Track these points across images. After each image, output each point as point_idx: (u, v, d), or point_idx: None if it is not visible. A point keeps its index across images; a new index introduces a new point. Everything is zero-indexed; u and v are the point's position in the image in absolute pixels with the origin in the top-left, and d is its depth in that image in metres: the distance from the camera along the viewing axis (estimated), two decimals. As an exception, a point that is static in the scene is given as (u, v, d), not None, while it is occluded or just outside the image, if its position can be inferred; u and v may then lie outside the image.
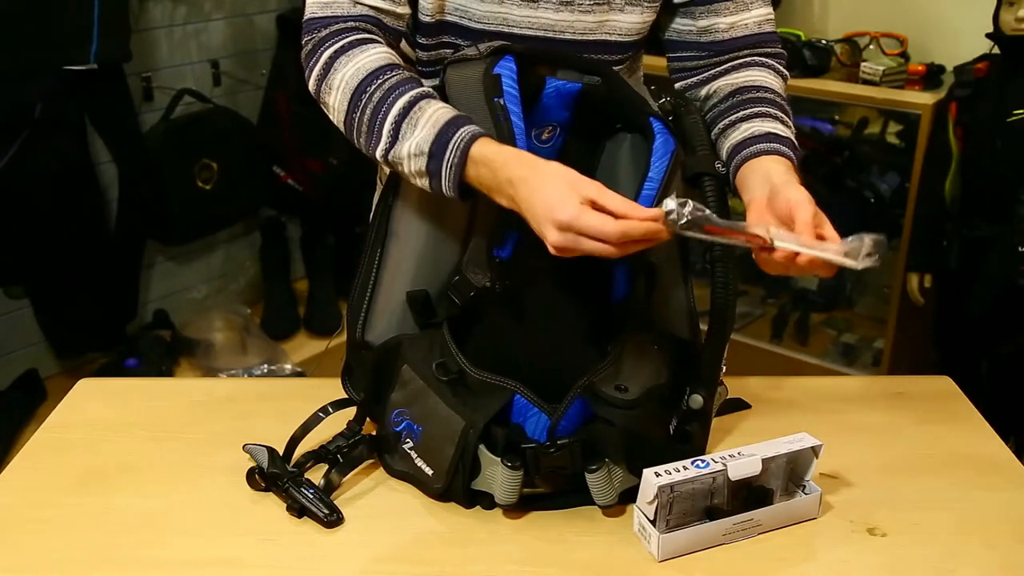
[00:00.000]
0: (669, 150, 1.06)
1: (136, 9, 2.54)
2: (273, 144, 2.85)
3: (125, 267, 2.62)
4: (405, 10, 1.13)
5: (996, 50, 2.23)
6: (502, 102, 1.04)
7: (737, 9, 1.19)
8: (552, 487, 1.09)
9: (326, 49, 1.08)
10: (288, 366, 2.73)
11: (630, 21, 1.17)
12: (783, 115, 1.18)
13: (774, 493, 1.06)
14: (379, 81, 1.05)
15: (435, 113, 1.02)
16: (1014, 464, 1.20)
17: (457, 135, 1.00)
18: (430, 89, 1.05)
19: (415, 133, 1.02)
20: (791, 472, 1.08)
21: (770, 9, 1.22)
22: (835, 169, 2.70)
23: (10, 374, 2.51)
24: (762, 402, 1.30)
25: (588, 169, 1.17)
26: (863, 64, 2.59)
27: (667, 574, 1.01)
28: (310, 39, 1.10)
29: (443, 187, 1.02)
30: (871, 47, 2.70)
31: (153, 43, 2.64)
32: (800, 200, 1.00)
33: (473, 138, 1.00)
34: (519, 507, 1.07)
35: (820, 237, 0.98)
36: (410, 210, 1.15)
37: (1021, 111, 2.13)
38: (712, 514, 1.04)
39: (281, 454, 1.13)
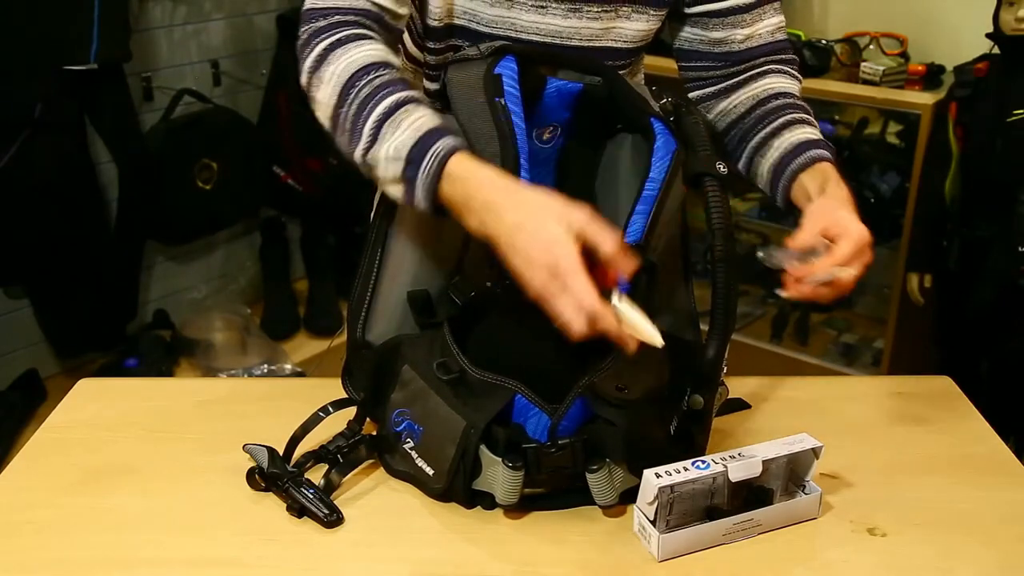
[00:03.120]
0: (670, 150, 1.06)
1: (136, 9, 2.54)
2: (273, 144, 2.85)
3: (125, 267, 2.62)
4: (406, 11, 1.12)
5: (996, 50, 2.23)
6: (503, 102, 1.04)
7: (753, 20, 1.20)
8: (553, 487, 1.09)
9: (321, 41, 1.04)
10: (288, 366, 2.73)
11: (636, 28, 1.17)
12: (808, 116, 1.20)
13: (774, 493, 1.06)
14: (369, 77, 1.01)
15: (419, 119, 0.98)
16: (1014, 464, 1.20)
17: (437, 145, 0.96)
18: (419, 93, 1.01)
19: (395, 135, 0.98)
20: (791, 472, 1.08)
21: (782, 17, 1.23)
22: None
23: (10, 374, 2.51)
24: (762, 402, 1.30)
25: (589, 169, 1.17)
26: (863, 64, 2.60)
27: (667, 574, 1.01)
28: (307, 28, 1.06)
29: (416, 197, 0.97)
30: (871, 47, 2.70)
31: (153, 43, 2.64)
32: (850, 230, 1.02)
33: (453, 150, 0.96)
34: (520, 507, 1.07)
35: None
36: (411, 210, 1.14)
37: (1021, 111, 2.13)
38: (712, 514, 1.04)
39: (281, 454, 1.13)
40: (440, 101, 1.12)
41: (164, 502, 1.11)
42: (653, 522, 1.01)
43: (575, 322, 0.91)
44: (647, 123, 1.08)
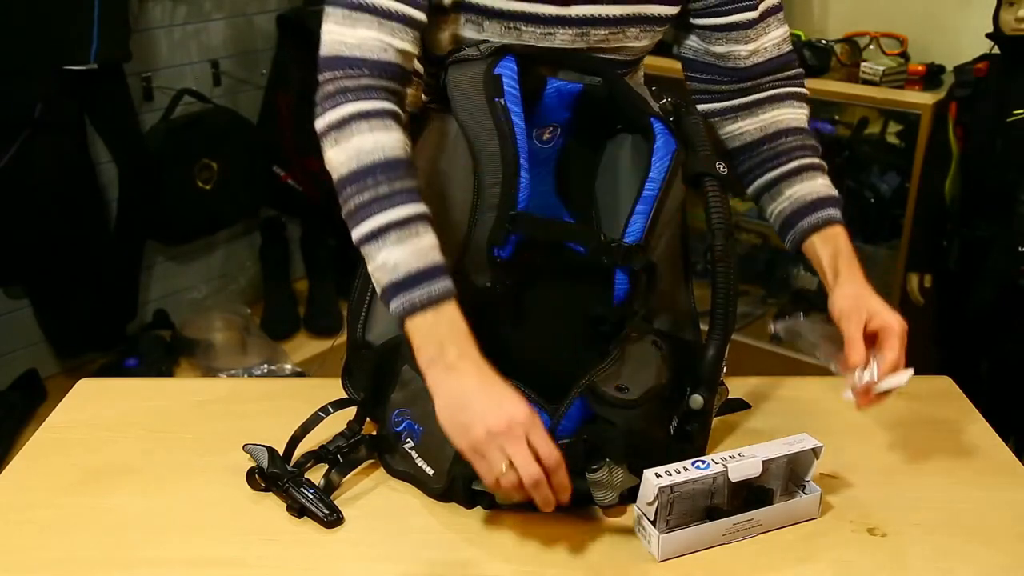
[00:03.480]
0: (670, 150, 1.07)
1: (136, 9, 2.54)
2: (273, 144, 2.85)
3: (125, 267, 2.62)
4: (418, 51, 1.10)
5: (996, 50, 2.23)
6: (503, 102, 1.04)
7: (756, 35, 1.19)
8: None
9: (348, 102, 1.01)
10: (288, 366, 2.73)
11: (640, 46, 1.18)
12: (817, 158, 1.21)
13: (774, 493, 1.06)
14: (391, 174, 1.00)
15: (427, 248, 0.99)
16: (1014, 464, 1.20)
17: (435, 283, 0.98)
18: (427, 209, 1.01)
19: (398, 249, 0.98)
20: (791, 472, 1.08)
21: (787, 28, 1.22)
22: (835, 169, 2.70)
23: (10, 374, 2.51)
24: (762, 402, 1.30)
25: (589, 169, 1.17)
26: (863, 64, 2.60)
27: (667, 574, 1.01)
28: (333, 78, 1.02)
29: (390, 306, 1.00)
30: (871, 47, 2.70)
31: (153, 43, 2.64)
32: (889, 325, 1.09)
33: (449, 294, 0.98)
34: (519, 507, 1.07)
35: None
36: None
37: (1021, 111, 2.13)
38: (712, 514, 1.04)
39: (281, 454, 1.13)
40: (440, 102, 1.12)
41: (164, 502, 1.11)
42: (653, 522, 1.01)
43: (507, 477, 0.94)
44: (647, 123, 1.08)
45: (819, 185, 1.20)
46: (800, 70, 1.25)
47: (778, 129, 1.22)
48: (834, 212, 1.18)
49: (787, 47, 1.22)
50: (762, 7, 1.18)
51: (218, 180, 2.69)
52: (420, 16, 1.04)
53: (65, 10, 2.20)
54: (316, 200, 2.91)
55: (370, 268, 1.01)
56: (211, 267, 2.98)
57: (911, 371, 1.08)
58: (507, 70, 1.05)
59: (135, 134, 2.56)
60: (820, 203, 1.18)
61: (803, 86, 1.25)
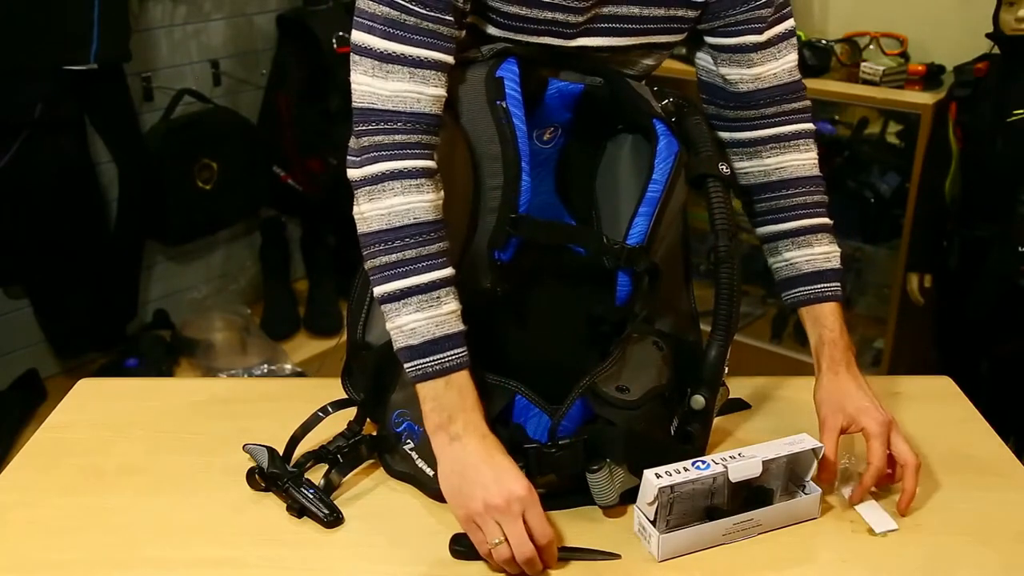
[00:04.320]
0: (673, 152, 1.06)
1: (136, 9, 2.54)
2: (273, 144, 2.85)
3: (125, 267, 2.62)
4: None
5: (996, 50, 2.23)
6: (504, 105, 1.04)
7: (762, 60, 1.16)
8: (553, 487, 1.09)
9: (382, 160, 1.01)
10: (288, 366, 2.73)
11: (647, 63, 1.18)
12: (819, 214, 1.20)
13: (774, 493, 1.06)
14: (420, 239, 1.01)
15: (446, 316, 1.01)
16: (1014, 464, 1.20)
17: (450, 353, 1.01)
18: (453, 273, 1.03)
19: (418, 315, 1.00)
20: (791, 472, 1.08)
21: (796, 54, 1.19)
22: (835, 169, 2.70)
23: (10, 374, 2.51)
24: (762, 402, 1.30)
25: (589, 169, 1.17)
26: (863, 64, 2.59)
27: (667, 574, 1.01)
28: (368, 131, 1.02)
29: (404, 366, 1.02)
30: (871, 47, 2.70)
31: (153, 43, 2.64)
32: (871, 435, 1.10)
33: (464, 365, 1.01)
34: (520, 507, 1.07)
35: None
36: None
37: (1021, 111, 2.13)
38: (712, 514, 1.04)
39: (281, 454, 1.13)
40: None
41: (164, 502, 1.11)
42: (653, 522, 1.01)
43: (499, 551, 0.97)
44: (649, 124, 1.07)
45: (817, 254, 1.19)
46: (808, 103, 1.21)
47: (782, 179, 1.20)
48: (828, 288, 1.18)
49: (796, 75, 1.19)
50: (770, 33, 1.15)
51: (218, 180, 2.69)
52: (450, 60, 1.03)
53: (65, 10, 2.19)
54: (316, 200, 2.91)
55: (388, 326, 1.03)
56: (211, 267, 2.98)
57: (893, 524, 1.08)
58: (509, 73, 1.05)
59: (135, 134, 2.56)
60: (816, 276, 1.18)
61: (811, 120, 1.22)
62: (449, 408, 1.00)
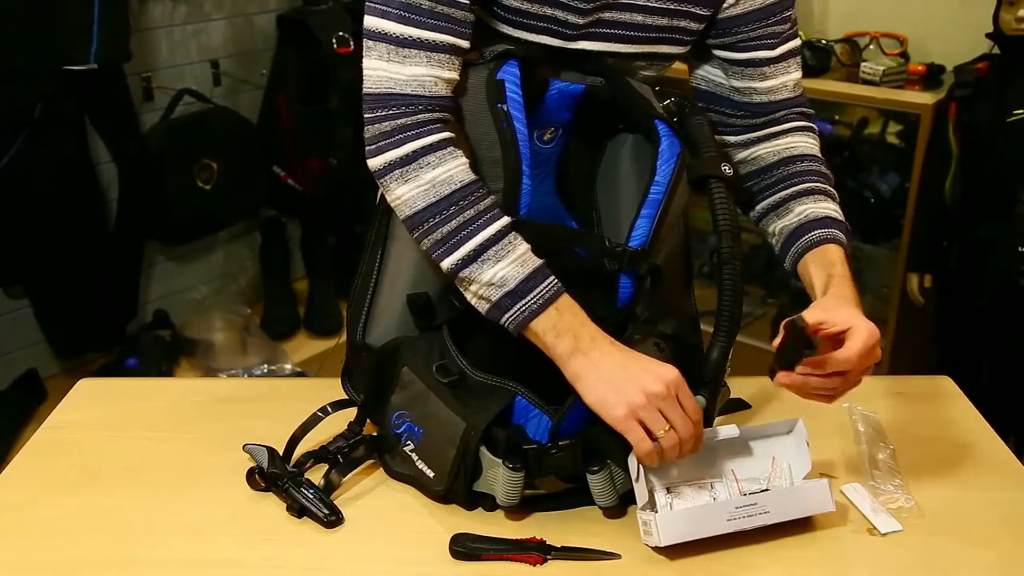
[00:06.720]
0: (675, 153, 1.06)
1: (136, 9, 2.54)
2: (273, 144, 2.85)
3: (125, 267, 2.62)
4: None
5: (996, 50, 2.23)
6: (505, 108, 1.04)
7: (775, 73, 1.18)
8: (553, 488, 1.09)
9: (410, 140, 1.02)
10: (288, 366, 2.73)
11: (647, 74, 1.18)
12: (829, 186, 1.20)
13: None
14: (471, 198, 1.02)
15: (524, 255, 1.02)
16: (1014, 464, 1.20)
17: (545, 284, 1.01)
18: (509, 219, 1.03)
19: (499, 265, 1.01)
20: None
21: (801, 72, 1.21)
22: (835, 169, 2.70)
23: (10, 374, 2.51)
24: (762, 402, 1.30)
25: (589, 169, 1.17)
26: (863, 64, 2.59)
27: (667, 574, 1.01)
28: (388, 115, 1.02)
29: (505, 320, 1.02)
30: (871, 47, 2.70)
31: (153, 43, 2.64)
32: (857, 331, 1.01)
33: (560, 291, 1.02)
34: (520, 508, 1.07)
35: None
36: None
37: (1021, 111, 2.13)
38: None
39: (281, 454, 1.13)
40: None
41: (164, 502, 1.11)
42: (652, 505, 1.01)
43: (668, 438, 0.98)
44: (651, 125, 1.07)
45: (831, 208, 1.18)
46: (812, 112, 1.24)
47: (792, 155, 1.20)
48: (840, 235, 1.15)
49: (801, 89, 1.21)
50: (781, 48, 1.17)
51: (218, 180, 2.69)
52: (465, 44, 1.04)
53: (65, 10, 2.19)
54: (316, 200, 2.91)
55: (473, 289, 1.03)
56: (211, 267, 2.98)
57: (897, 526, 1.06)
58: (510, 75, 1.05)
59: (135, 134, 2.56)
60: (830, 222, 1.16)
61: (814, 120, 1.24)
62: (571, 329, 1.01)
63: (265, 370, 2.69)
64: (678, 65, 1.24)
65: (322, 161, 2.81)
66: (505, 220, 1.03)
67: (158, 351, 2.69)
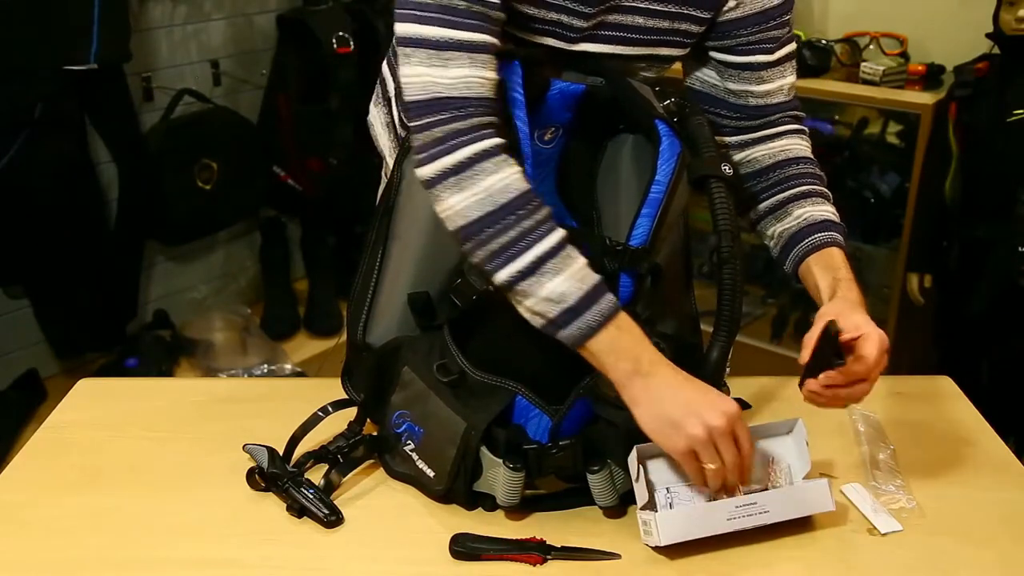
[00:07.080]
0: (675, 153, 1.06)
1: (136, 9, 2.54)
2: (273, 144, 2.85)
3: (125, 267, 2.62)
4: None
5: (996, 50, 2.23)
6: (507, 108, 1.03)
7: (772, 77, 1.18)
8: (553, 488, 1.09)
9: (465, 145, 0.98)
10: (288, 366, 2.73)
11: (647, 76, 1.18)
12: (825, 188, 1.20)
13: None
14: (528, 208, 0.99)
15: (582, 270, 1.00)
16: (1014, 464, 1.20)
17: (603, 300, 0.99)
18: (565, 231, 1.01)
19: (558, 279, 0.98)
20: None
21: (795, 76, 1.21)
22: (835, 169, 2.70)
23: (10, 374, 2.51)
24: (762, 402, 1.30)
25: (590, 169, 1.17)
26: (863, 64, 2.59)
27: (667, 573, 1.01)
28: (439, 121, 0.99)
29: (562, 334, 0.99)
30: (871, 47, 2.70)
31: (153, 43, 2.64)
32: (870, 338, 1.05)
33: (618, 309, 1.00)
34: (521, 508, 1.07)
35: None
36: (412, 212, 1.14)
37: (1021, 111, 2.13)
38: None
39: (281, 454, 1.13)
40: None
41: (164, 502, 1.11)
42: (652, 504, 1.01)
43: (719, 473, 0.99)
44: (651, 125, 1.07)
45: (829, 211, 1.18)
46: (804, 115, 1.24)
47: (788, 157, 1.20)
48: (841, 238, 1.16)
49: (794, 93, 1.22)
50: (779, 52, 1.17)
51: (218, 180, 2.69)
52: (499, 43, 1.02)
53: (65, 10, 2.20)
54: (316, 200, 2.91)
55: (528, 304, 1.00)
56: (211, 267, 2.98)
57: (897, 526, 1.07)
58: (512, 76, 1.05)
59: (135, 134, 2.56)
60: (830, 225, 1.16)
61: (807, 130, 1.25)
62: (631, 350, 0.99)
63: (265, 370, 2.69)
64: (676, 66, 1.24)
65: (322, 161, 2.81)
66: (562, 232, 1.00)
67: (158, 351, 2.69)
